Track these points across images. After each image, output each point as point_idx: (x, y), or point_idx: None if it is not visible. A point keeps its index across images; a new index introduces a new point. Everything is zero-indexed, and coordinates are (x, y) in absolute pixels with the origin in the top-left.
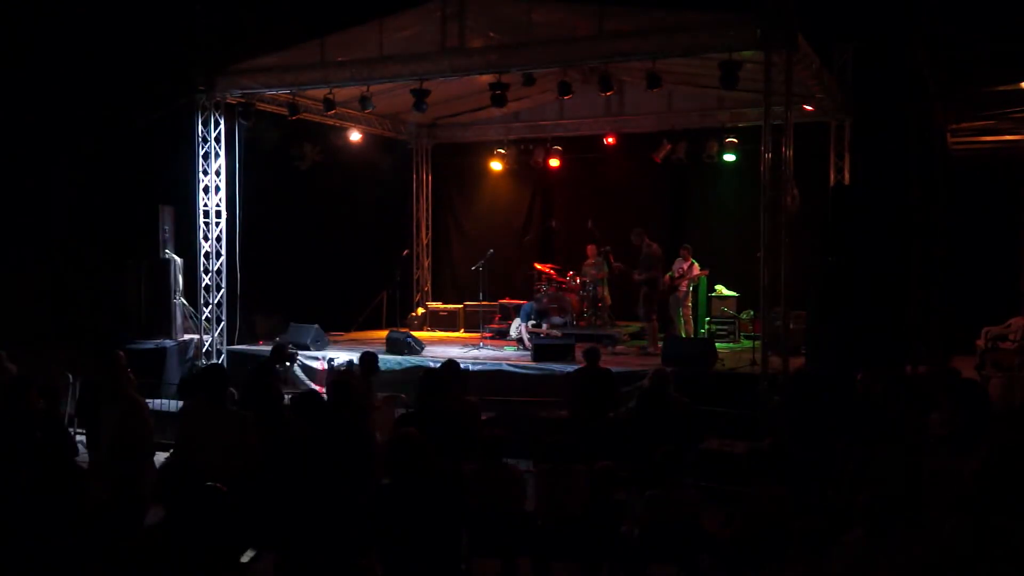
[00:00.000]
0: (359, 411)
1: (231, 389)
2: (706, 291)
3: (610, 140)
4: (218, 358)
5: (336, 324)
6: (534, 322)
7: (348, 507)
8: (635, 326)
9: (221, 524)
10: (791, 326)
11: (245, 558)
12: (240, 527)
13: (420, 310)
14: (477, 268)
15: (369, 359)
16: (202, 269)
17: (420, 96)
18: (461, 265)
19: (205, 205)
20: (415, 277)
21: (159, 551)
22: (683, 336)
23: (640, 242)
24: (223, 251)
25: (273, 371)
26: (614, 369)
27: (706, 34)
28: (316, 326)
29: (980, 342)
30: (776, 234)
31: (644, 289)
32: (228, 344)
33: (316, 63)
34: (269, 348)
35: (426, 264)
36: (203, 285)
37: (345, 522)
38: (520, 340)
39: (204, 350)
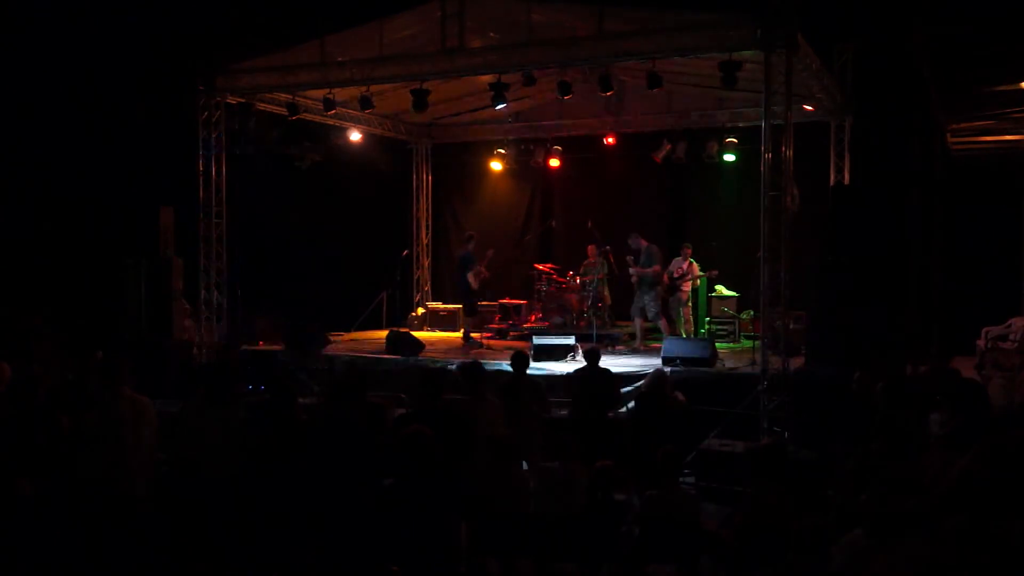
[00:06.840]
0: (361, 410)
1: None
2: (706, 291)
3: (610, 140)
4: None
5: (336, 324)
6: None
7: (349, 507)
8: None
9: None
10: (791, 326)
11: None
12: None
13: (420, 310)
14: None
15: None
16: (202, 269)
17: (420, 96)
18: None
19: (205, 205)
20: (415, 277)
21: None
22: (683, 336)
23: (638, 244)
24: (223, 251)
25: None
26: (614, 369)
27: (706, 34)
28: (316, 326)
29: (980, 342)
30: (776, 234)
31: (659, 289)
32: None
33: (316, 63)
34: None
35: (426, 264)
36: (203, 285)
37: (346, 521)
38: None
39: (204, 350)
